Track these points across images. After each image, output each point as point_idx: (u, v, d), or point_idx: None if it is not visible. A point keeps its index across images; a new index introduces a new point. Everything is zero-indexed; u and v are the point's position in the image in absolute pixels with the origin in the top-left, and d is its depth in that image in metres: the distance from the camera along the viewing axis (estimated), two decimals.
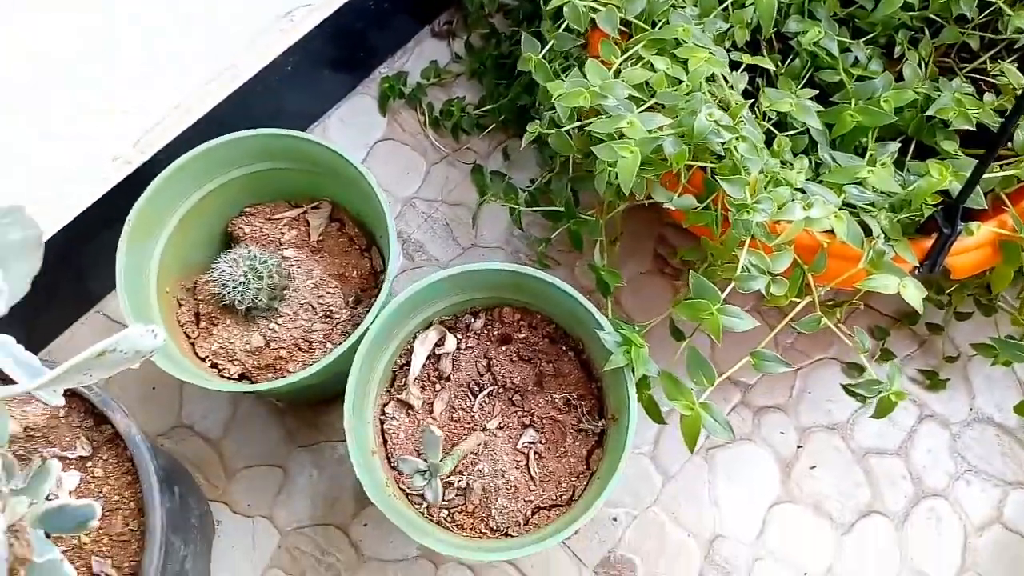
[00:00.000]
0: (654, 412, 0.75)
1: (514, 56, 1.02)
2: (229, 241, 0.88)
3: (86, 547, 0.68)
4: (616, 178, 0.67)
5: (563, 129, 0.71)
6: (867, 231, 0.70)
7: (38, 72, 0.73)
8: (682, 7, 0.75)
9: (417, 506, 0.76)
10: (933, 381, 0.96)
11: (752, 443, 0.94)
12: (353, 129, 1.07)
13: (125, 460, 0.70)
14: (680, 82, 0.72)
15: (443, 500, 0.70)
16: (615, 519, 0.90)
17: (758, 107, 0.75)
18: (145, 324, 0.50)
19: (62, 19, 0.71)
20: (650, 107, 0.69)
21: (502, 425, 0.79)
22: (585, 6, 0.73)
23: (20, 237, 0.50)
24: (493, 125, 1.04)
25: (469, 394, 0.80)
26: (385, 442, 0.78)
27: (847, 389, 0.96)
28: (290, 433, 0.93)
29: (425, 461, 0.64)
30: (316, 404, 0.94)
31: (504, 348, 0.81)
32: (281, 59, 0.92)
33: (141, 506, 0.69)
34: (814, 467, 0.93)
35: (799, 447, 0.94)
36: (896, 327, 0.98)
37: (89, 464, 0.70)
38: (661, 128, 0.66)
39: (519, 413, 0.80)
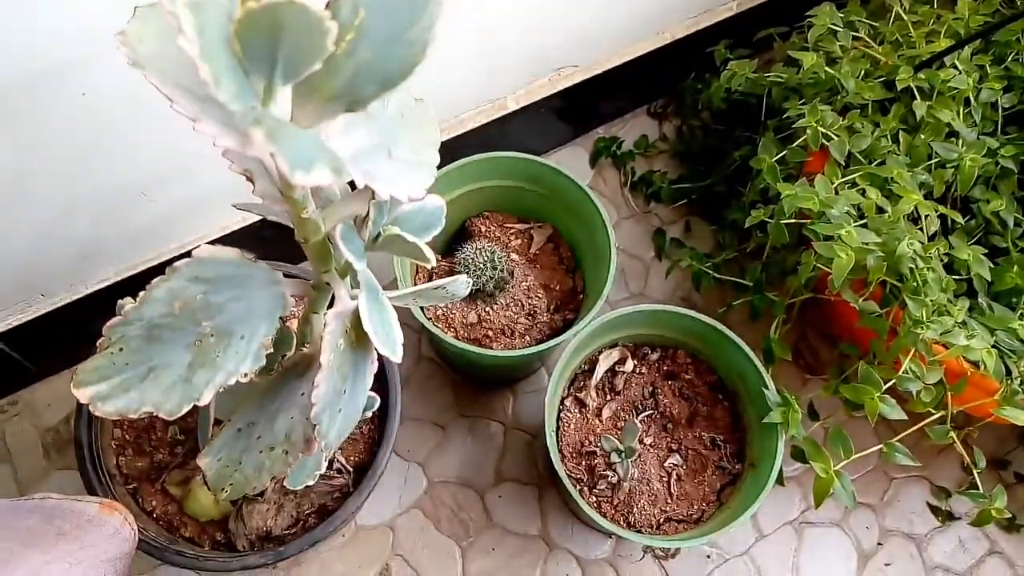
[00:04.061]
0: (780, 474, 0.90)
1: (719, 150, 1.20)
2: (464, 233, 1.05)
3: None
4: (814, 271, 0.85)
5: (782, 222, 0.88)
6: (1007, 371, 0.85)
7: None
8: (896, 154, 0.92)
9: (576, 487, 0.91)
10: (1010, 524, 1.08)
11: (840, 529, 1.07)
12: None
13: None
14: (883, 211, 0.88)
15: (627, 480, 0.85)
16: (709, 556, 1.04)
17: (938, 250, 0.91)
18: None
19: None
20: (860, 225, 0.85)
21: (653, 444, 0.94)
22: (824, 132, 0.90)
23: None
24: (683, 200, 1.21)
25: (633, 411, 0.95)
26: (558, 429, 0.94)
27: (933, 508, 1.10)
28: (457, 401, 1.09)
29: (621, 443, 0.79)
30: (483, 384, 1.10)
31: (670, 383, 0.97)
32: (539, 103, 1.11)
33: (374, 415, 0.86)
34: (888, 565, 1.06)
35: (879, 544, 1.07)
36: (987, 470, 1.11)
37: None
38: (869, 243, 0.82)
39: (668, 439, 0.94)
